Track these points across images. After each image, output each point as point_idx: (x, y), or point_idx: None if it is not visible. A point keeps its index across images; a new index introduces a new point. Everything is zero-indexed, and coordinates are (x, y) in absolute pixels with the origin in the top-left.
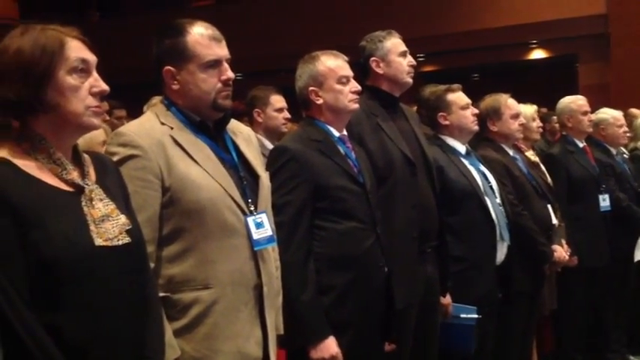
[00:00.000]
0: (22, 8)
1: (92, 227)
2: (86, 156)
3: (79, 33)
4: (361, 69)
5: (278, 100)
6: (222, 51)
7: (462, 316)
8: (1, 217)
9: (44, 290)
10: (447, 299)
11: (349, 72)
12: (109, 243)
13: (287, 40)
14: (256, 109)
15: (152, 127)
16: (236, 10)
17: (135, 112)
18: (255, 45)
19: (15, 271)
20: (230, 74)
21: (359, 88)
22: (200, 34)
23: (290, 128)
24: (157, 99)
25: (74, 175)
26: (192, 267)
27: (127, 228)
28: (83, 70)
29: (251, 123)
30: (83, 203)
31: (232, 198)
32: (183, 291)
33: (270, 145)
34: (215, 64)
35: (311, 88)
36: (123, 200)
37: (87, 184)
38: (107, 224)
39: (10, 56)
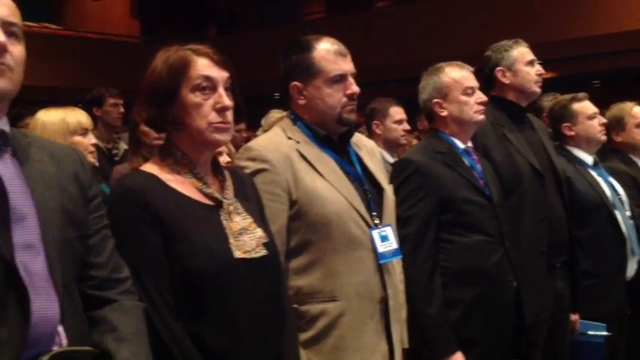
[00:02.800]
0: (143, 26)
1: (231, 240)
2: (225, 170)
3: (211, 51)
4: (486, 79)
5: (397, 112)
6: (347, 66)
7: (590, 333)
8: (150, 230)
9: (187, 300)
10: (574, 315)
11: (474, 83)
12: (247, 255)
13: (397, 50)
14: (375, 121)
15: (279, 141)
16: (347, 21)
17: (252, 126)
18: (366, 56)
19: (162, 281)
20: (355, 89)
21: (485, 98)
22: (326, 49)
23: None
24: (274, 112)
25: (214, 189)
26: (318, 279)
27: (264, 241)
28: (207, 87)
29: (369, 135)
30: (222, 217)
31: (357, 211)
32: (311, 303)
33: (389, 158)
34: (341, 78)
35: (435, 100)
36: (259, 214)
37: (226, 198)
38: (245, 237)
39: (147, 76)
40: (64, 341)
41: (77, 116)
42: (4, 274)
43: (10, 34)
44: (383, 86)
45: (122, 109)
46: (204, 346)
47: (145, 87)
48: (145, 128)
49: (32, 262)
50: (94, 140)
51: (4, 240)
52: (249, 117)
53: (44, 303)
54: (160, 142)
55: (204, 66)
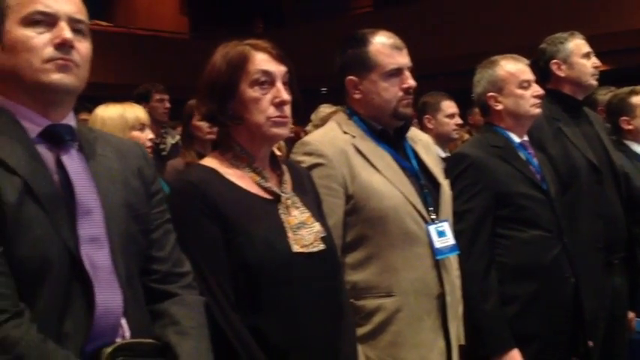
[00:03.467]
0: (192, 22)
1: (289, 234)
2: (283, 165)
3: (269, 45)
4: (541, 72)
5: (449, 106)
6: (403, 59)
7: None
8: (211, 224)
9: (246, 294)
10: (631, 313)
11: (530, 76)
12: (305, 250)
13: (446, 43)
14: (427, 116)
15: (335, 136)
16: (394, 14)
17: (301, 120)
18: (414, 49)
19: (222, 275)
20: (411, 82)
21: (541, 92)
22: (382, 43)
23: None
24: (324, 107)
25: (272, 184)
26: (375, 274)
27: (322, 235)
28: (266, 82)
29: (421, 129)
30: (280, 211)
31: (414, 206)
32: (367, 298)
33: (441, 152)
34: (397, 72)
35: (490, 94)
36: (316, 208)
37: (284, 192)
38: (303, 231)
39: (206, 72)
40: (127, 333)
41: (135, 112)
42: (70, 266)
43: (76, 31)
44: (431, 79)
45: (168, 105)
46: (263, 340)
47: (204, 82)
48: (198, 123)
49: (97, 255)
50: (151, 135)
51: (70, 233)
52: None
53: (108, 296)
54: (213, 136)
55: (262, 61)
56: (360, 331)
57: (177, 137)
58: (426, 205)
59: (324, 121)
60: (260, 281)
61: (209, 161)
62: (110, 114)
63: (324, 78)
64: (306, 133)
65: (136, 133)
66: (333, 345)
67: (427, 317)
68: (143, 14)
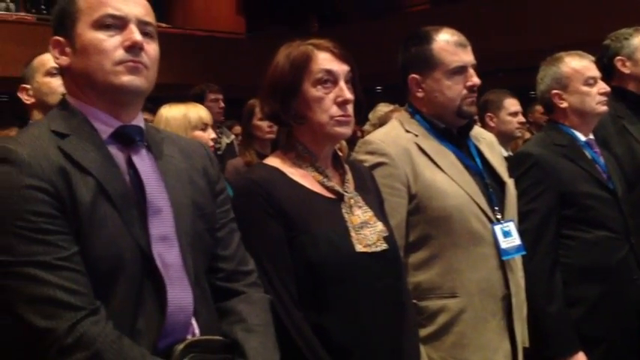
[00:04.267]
0: (249, 22)
1: (352, 233)
2: (345, 164)
3: (332, 45)
4: (605, 69)
5: (512, 104)
6: (467, 57)
7: None
8: (275, 222)
9: (310, 292)
10: None
11: (596, 73)
12: (368, 249)
13: (505, 38)
14: (489, 114)
15: (398, 134)
16: (451, 11)
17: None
18: (474, 46)
19: (286, 273)
20: (476, 80)
21: (607, 89)
22: (446, 40)
23: None
24: (382, 106)
25: (335, 183)
26: (438, 275)
27: (385, 235)
28: (329, 81)
29: (482, 127)
30: (343, 210)
31: (478, 205)
32: (430, 298)
33: (503, 151)
34: (461, 70)
35: (554, 91)
36: (379, 207)
37: (347, 192)
38: (366, 231)
39: (269, 71)
40: (197, 331)
41: (198, 111)
42: (142, 265)
43: (145, 33)
44: (489, 76)
45: (222, 104)
46: (326, 338)
47: (267, 82)
48: (258, 122)
49: (167, 254)
50: (213, 135)
51: (142, 232)
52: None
53: (179, 293)
54: (272, 136)
55: (325, 60)
56: (424, 331)
57: (232, 137)
58: (490, 204)
59: (381, 120)
60: (323, 280)
61: (272, 160)
62: (174, 114)
63: (379, 76)
64: (363, 132)
65: (198, 133)
66: (396, 345)
67: (492, 318)
68: (200, 15)
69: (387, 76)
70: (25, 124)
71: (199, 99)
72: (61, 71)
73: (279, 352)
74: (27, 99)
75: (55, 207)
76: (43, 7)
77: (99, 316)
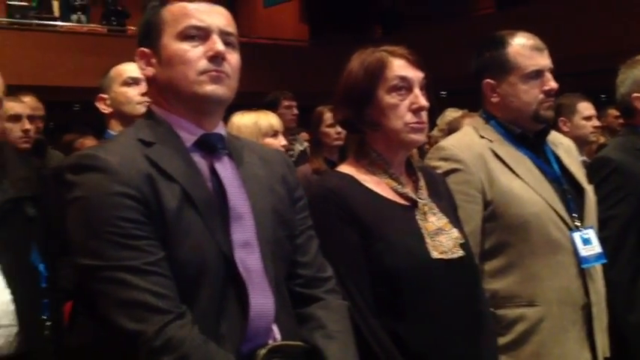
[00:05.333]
0: (312, 30)
1: (428, 240)
2: (418, 170)
3: (406, 51)
4: None
5: (586, 108)
6: (544, 61)
7: None
8: (350, 230)
9: (386, 299)
10: None
11: None
12: (444, 256)
13: (574, 41)
14: (562, 118)
15: (472, 140)
16: (518, 14)
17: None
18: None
19: (362, 280)
20: (553, 84)
21: None
22: (521, 44)
23: None
24: (450, 111)
25: (408, 190)
26: (516, 283)
27: (461, 242)
28: (403, 87)
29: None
30: (418, 217)
31: (557, 212)
32: (508, 307)
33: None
34: (537, 74)
35: (635, 95)
36: (453, 214)
37: (421, 198)
38: (441, 237)
39: (343, 78)
40: (278, 336)
41: (268, 119)
42: (225, 270)
43: (227, 43)
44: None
45: (296, 111)
46: (403, 346)
47: (341, 89)
48: (325, 129)
49: (249, 259)
50: (284, 142)
51: (224, 238)
52: None
53: (261, 299)
54: (340, 142)
55: (399, 67)
56: (501, 340)
57: (306, 144)
58: (569, 211)
59: (450, 126)
60: (400, 287)
61: (345, 168)
62: (245, 122)
63: (445, 81)
64: (431, 138)
65: (269, 140)
66: (474, 353)
67: (572, 328)
68: (264, 24)
69: (453, 81)
70: (102, 133)
71: (273, 106)
72: (147, 81)
73: (358, 359)
74: (104, 108)
75: (142, 213)
76: (113, 19)
77: (185, 319)
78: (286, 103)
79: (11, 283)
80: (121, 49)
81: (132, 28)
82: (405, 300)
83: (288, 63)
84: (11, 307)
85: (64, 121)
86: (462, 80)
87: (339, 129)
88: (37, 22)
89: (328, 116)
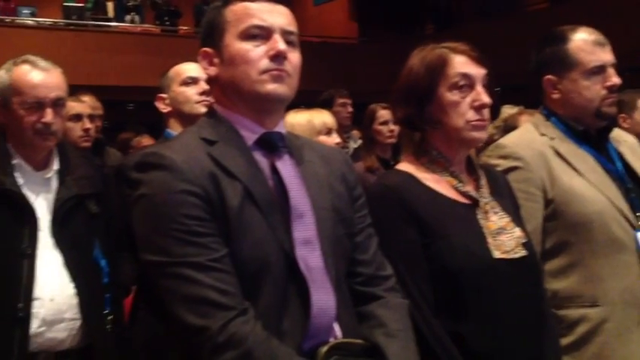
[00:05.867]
0: (362, 28)
1: (489, 239)
2: (479, 169)
3: (468, 48)
4: None
5: None
6: (606, 56)
7: None
8: (410, 228)
9: (446, 299)
10: None
11: None
12: (506, 256)
13: (632, 36)
14: (622, 115)
15: (532, 138)
16: (572, 9)
17: None
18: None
19: (422, 279)
20: (616, 80)
21: None
22: (583, 40)
23: None
24: (506, 107)
25: (469, 188)
26: (578, 283)
27: (523, 241)
28: (465, 85)
29: None
30: (479, 216)
31: (620, 211)
32: (569, 307)
33: None
34: (599, 70)
35: None
36: (515, 213)
37: (482, 197)
38: (503, 237)
39: (403, 76)
40: (339, 333)
41: (322, 117)
42: (286, 267)
43: (288, 42)
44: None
45: (350, 109)
46: (464, 346)
47: (401, 86)
48: (378, 127)
49: (310, 257)
50: (338, 140)
51: (286, 235)
52: None
53: (322, 296)
54: (393, 140)
55: (461, 63)
56: (563, 341)
57: (360, 142)
58: (632, 209)
59: (506, 123)
60: (460, 287)
61: (405, 166)
62: (299, 120)
63: (498, 77)
64: (486, 135)
65: (322, 138)
66: (536, 354)
67: (636, 329)
68: (314, 22)
69: (506, 77)
70: (156, 131)
71: (328, 104)
72: (210, 81)
73: (419, 359)
74: (163, 108)
75: (206, 210)
76: (166, 18)
77: (248, 316)
78: (341, 100)
79: (75, 278)
80: (173, 49)
81: (184, 28)
82: (466, 300)
83: (338, 61)
84: (75, 301)
85: (119, 120)
86: (516, 76)
87: (391, 127)
88: (92, 22)
89: (381, 114)
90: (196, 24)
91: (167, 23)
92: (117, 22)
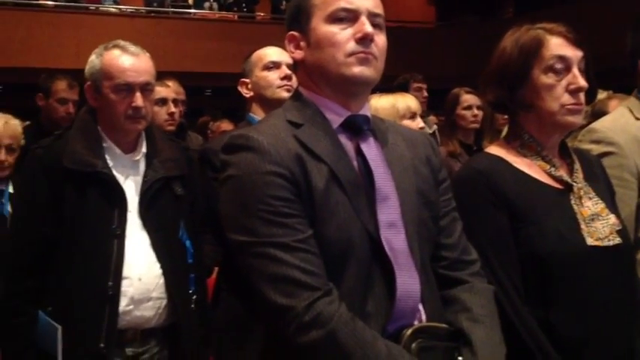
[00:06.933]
0: (439, 12)
1: (582, 226)
2: (573, 153)
3: (565, 29)
4: None
5: None
6: None
7: None
8: (499, 212)
9: (535, 285)
10: None
11: None
12: (600, 243)
13: None
14: None
15: (626, 122)
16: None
17: None
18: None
19: (510, 264)
20: None
21: None
22: None
23: None
24: (603, 93)
25: (562, 173)
26: None
27: (618, 228)
28: (561, 67)
29: None
30: (572, 201)
31: None
32: None
33: None
34: None
35: None
36: (610, 199)
37: (576, 182)
38: (597, 223)
39: (495, 58)
40: (424, 317)
41: (406, 101)
42: (371, 249)
43: (375, 25)
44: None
45: (426, 94)
46: (553, 333)
47: (493, 68)
48: (461, 112)
49: (395, 240)
50: (421, 124)
51: (370, 218)
52: None
53: (407, 279)
54: (476, 125)
55: (557, 45)
56: None
57: (435, 127)
58: None
59: (595, 107)
60: (551, 274)
61: (495, 149)
62: (382, 104)
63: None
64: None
65: (406, 122)
66: (627, 345)
67: None
68: (391, 6)
69: (597, 61)
70: (238, 117)
71: (403, 88)
72: (296, 64)
73: (504, 345)
74: (246, 92)
75: (292, 192)
76: (244, 5)
77: (333, 296)
78: (416, 85)
79: (161, 258)
80: (250, 35)
81: (261, 14)
82: (557, 287)
83: (415, 45)
84: (161, 280)
85: (197, 105)
86: (607, 60)
87: (475, 111)
88: (172, 10)
89: (465, 98)
90: (273, 10)
91: (244, 10)
92: (196, 9)
